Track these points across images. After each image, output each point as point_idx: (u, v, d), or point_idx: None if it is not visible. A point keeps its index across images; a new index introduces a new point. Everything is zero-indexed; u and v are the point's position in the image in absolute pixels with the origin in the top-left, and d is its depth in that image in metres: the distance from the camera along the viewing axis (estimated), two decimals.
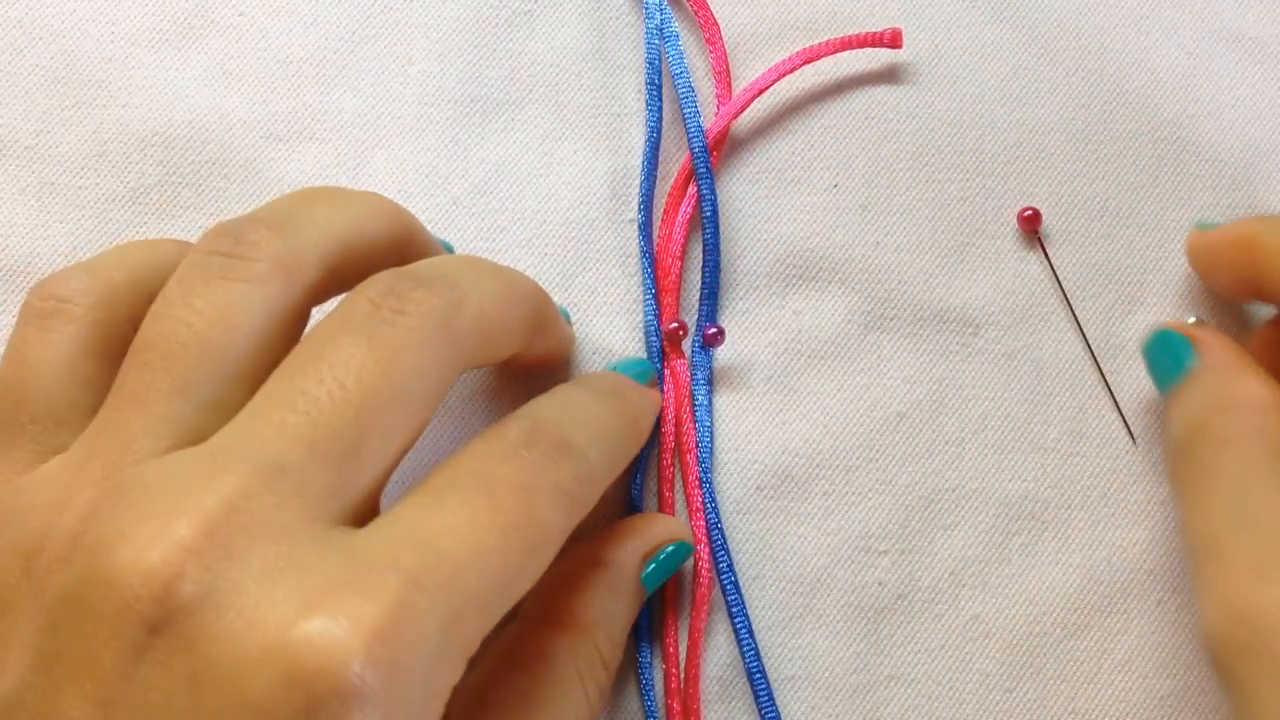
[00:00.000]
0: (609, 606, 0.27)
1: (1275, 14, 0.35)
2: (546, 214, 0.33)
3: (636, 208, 0.33)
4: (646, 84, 0.33)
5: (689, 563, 0.30)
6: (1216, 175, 0.34)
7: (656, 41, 0.33)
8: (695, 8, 0.33)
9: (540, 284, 0.32)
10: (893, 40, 0.34)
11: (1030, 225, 0.33)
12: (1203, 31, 0.35)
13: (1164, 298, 0.33)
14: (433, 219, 0.32)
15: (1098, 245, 0.33)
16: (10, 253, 0.31)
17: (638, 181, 0.33)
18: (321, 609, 0.20)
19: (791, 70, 0.33)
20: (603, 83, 0.34)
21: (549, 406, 0.25)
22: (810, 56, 0.33)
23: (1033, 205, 0.33)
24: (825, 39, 0.34)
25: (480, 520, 0.22)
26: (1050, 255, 0.33)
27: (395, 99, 0.33)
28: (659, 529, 0.29)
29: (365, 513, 0.22)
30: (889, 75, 0.34)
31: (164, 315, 0.23)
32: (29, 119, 0.32)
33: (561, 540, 0.23)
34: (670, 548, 0.29)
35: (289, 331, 0.24)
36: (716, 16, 0.34)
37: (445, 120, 0.33)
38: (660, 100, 0.32)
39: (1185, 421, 0.28)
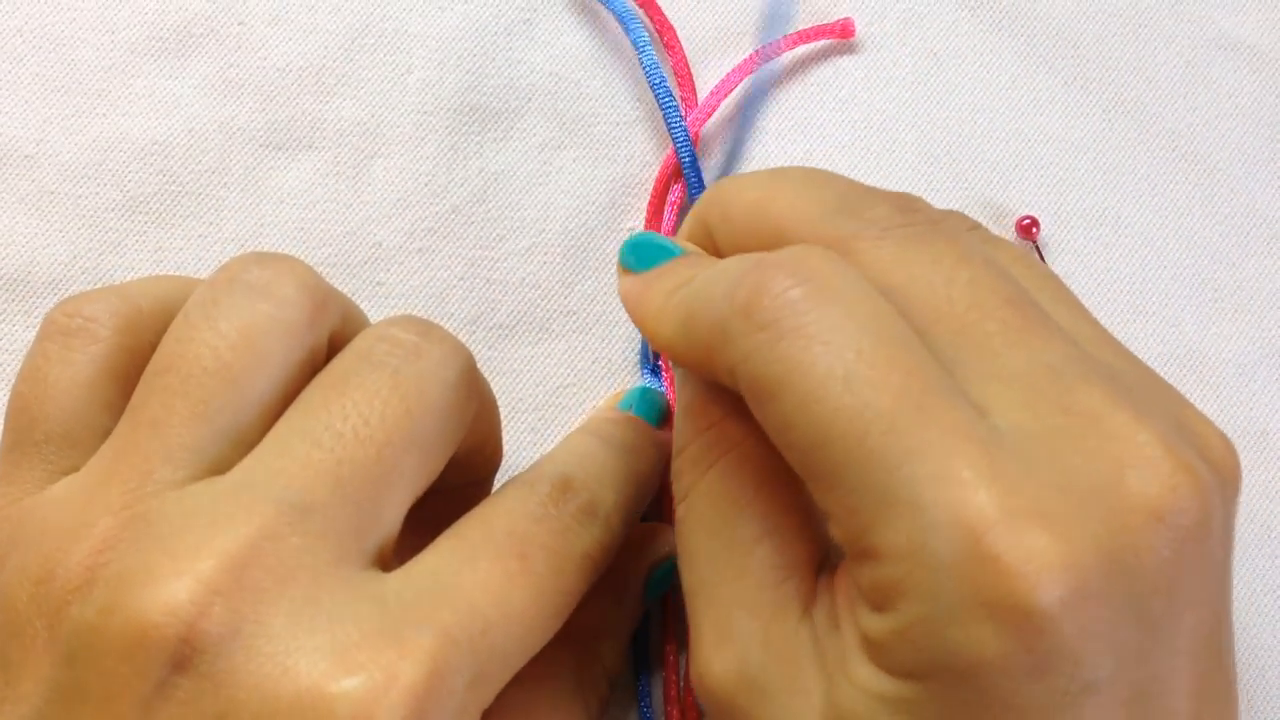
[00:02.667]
0: (612, 618, 0.27)
1: (1272, 22, 0.35)
2: (545, 222, 0.33)
3: (635, 215, 0.33)
4: (654, 85, 0.32)
5: None
6: (1214, 184, 0.34)
7: (647, 45, 0.33)
8: (650, 13, 0.34)
9: (539, 291, 0.32)
10: (843, 31, 0.34)
11: (1028, 234, 0.33)
12: (1200, 40, 0.35)
13: (1163, 307, 0.33)
14: (432, 228, 0.32)
15: (1096, 254, 0.33)
16: (10, 262, 0.31)
17: (636, 189, 0.33)
18: (357, 664, 0.19)
19: (751, 71, 0.33)
20: (602, 91, 0.34)
21: (577, 463, 0.25)
22: (768, 55, 0.34)
23: (1031, 214, 0.33)
24: (780, 36, 0.34)
25: (515, 582, 0.22)
26: (1048, 264, 0.33)
27: (394, 108, 0.33)
28: (662, 541, 0.29)
29: (387, 555, 0.22)
30: (890, 84, 0.34)
31: (186, 337, 0.23)
32: (29, 127, 0.32)
33: (578, 601, 0.24)
34: (673, 560, 0.29)
35: (310, 366, 0.23)
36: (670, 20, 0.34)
37: (444, 129, 0.33)
38: (675, 100, 0.32)
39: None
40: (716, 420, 0.24)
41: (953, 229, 0.23)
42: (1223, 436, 0.22)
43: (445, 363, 0.23)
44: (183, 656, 0.19)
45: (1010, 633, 0.19)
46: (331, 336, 0.24)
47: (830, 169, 0.33)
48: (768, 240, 0.23)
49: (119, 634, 0.20)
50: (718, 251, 0.25)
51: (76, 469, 0.23)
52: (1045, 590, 0.19)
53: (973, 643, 0.19)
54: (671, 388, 0.31)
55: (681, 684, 0.29)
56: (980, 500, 0.19)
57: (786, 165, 0.28)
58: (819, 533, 0.23)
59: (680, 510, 0.25)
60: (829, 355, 0.20)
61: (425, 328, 0.23)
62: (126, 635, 0.20)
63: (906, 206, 0.23)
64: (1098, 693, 0.19)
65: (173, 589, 0.20)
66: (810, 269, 0.21)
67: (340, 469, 0.21)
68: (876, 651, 0.20)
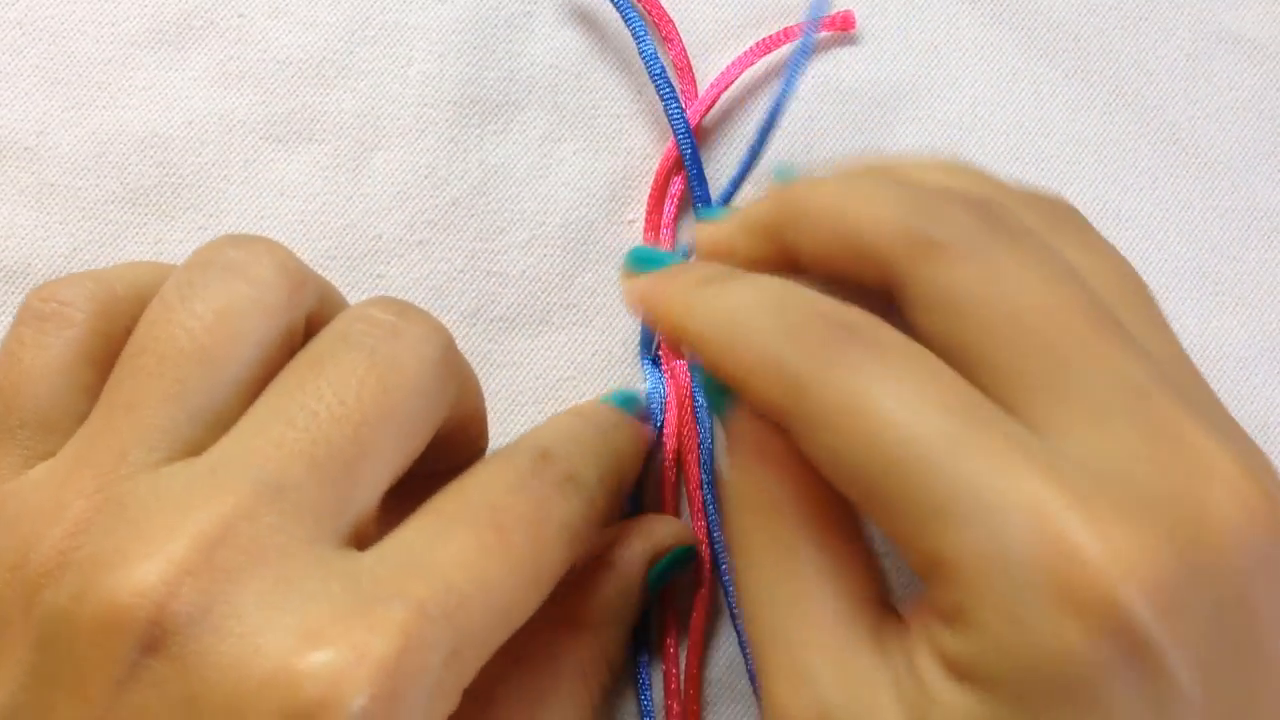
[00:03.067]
0: (615, 607, 0.27)
1: (1273, 15, 0.35)
2: (546, 215, 0.33)
3: (635, 208, 0.33)
4: (654, 77, 0.32)
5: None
6: (1215, 178, 0.34)
7: (647, 37, 0.33)
8: (648, 7, 0.33)
9: (540, 284, 0.32)
10: (844, 23, 0.34)
11: None
12: (1201, 33, 0.35)
13: (1165, 302, 0.33)
14: (432, 220, 0.32)
15: None
16: (9, 254, 0.31)
17: (637, 182, 0.33)
18: (327, 639, 0.19)
19: (753, 62, 0.33)
20: (602, 84, 0.34)
21: (555, 436, 0.25)
22: (769, 46, 0.34)
23: None
24: (780, 28, 0.34)
25: (490, 554, 0.21)
26: None
27: (394, 100, 0.33)
28: (665, 531, 0.29)
29: (363, 534, 0.22)
30: (890, 76, 0.34)
31: (161, 319, 0.22)
32: (28, 120, 0.32)
33: (561, 574, 0.23)
34: (676, 551, 0.29)
35: (287, 347, 0.23)
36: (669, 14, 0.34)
37: (444, 121, 0.33)
38: (675, 91, 0.32)
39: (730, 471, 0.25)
40: (770, 464, 0.24)
41: (1037, 241, 0.23)
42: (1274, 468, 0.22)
43: (423, 341, 0.23)
44: (153, 638, 0.19)
45: (1097, 628, 0.18)
46: (310, 319, 0.24)
47: (830, 166, 0.33)
48: (847, 245, 0.23)
49: (90, 617, 0.19)
50: (787, 253, 0.25)
51: (54, 454, 0.22)
52: (1131, 584, 0.18)
53: (1059, 642, 0.19)
54: (670, 380, 0.31)
55: (682, 678, 0.29)
56: (1053, 498, 0.19)
57: (858, 168, 0.27)
58: (878, 566, 0.23)
59: (739, 560, 0.24)
60: (887, 388, 0.21)
61: (402, 308, 0.23)
62: (97, 618, 0.19)
63: (989, 216, 0.23)
64: (1191, 704, 0.19)
65: (143, 570, 0.19)
66: (866, 328, 0.22)
67: (315, 448, 0.21)
68: (960, 670, 0.20)
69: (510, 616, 0.22)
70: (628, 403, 0.30)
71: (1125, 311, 0.23)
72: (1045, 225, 0.24)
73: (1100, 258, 0.24)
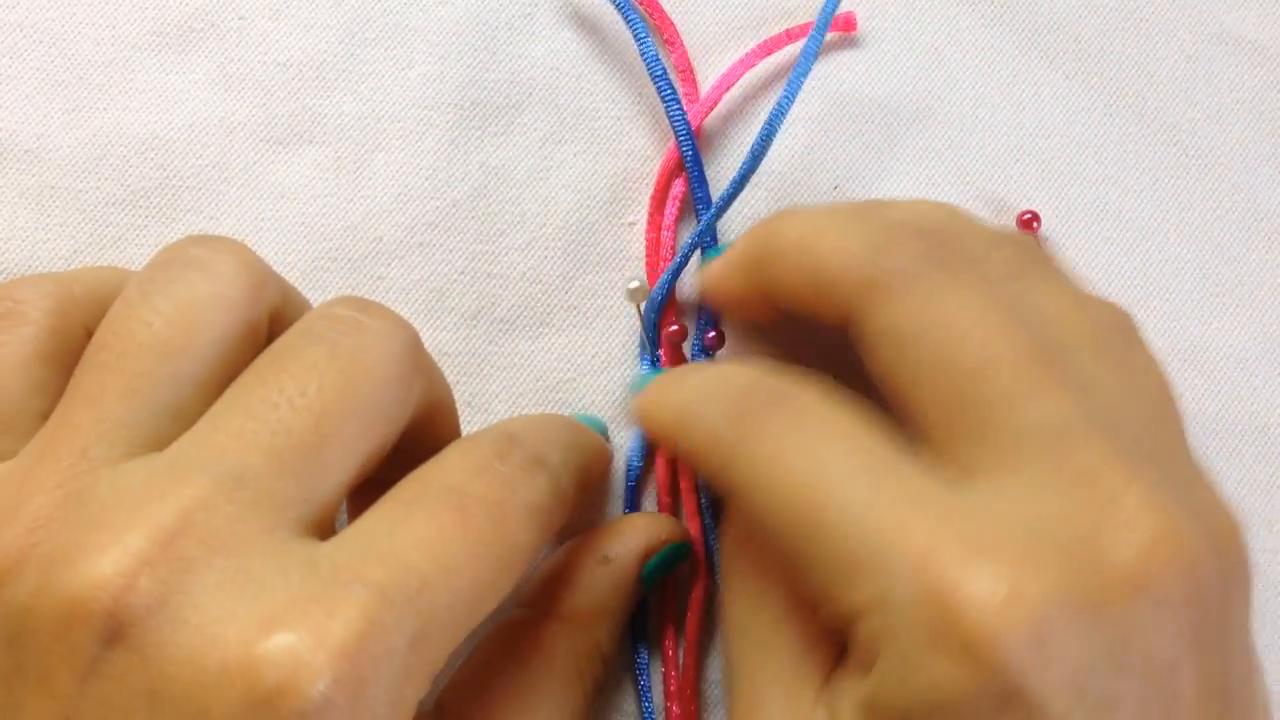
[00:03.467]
0: (609, 601, 0.27)
1: (1274, 17, 0.35)
2: (546, 217, 0.33)
3: (636, 210, 0.33)
4: (655, 78, 0.32)
5: (685, 566, 0.30)
6: (1216, 179, 0.34)
7: (648, 38, 0.33)
8: (649, 9, 0.33)
9: (540, 286, 0.32)
10: (846, 25, 0.34)
11: (1029, 228, 0.33)
12: (1202, 35, 0.35)
13: (1164, 301, 0.33)
14: (433, 222, 0.32)
15: (1097, 248, 0.33)
16: (9, 256, 0.31)
17: (637, 184, 0.33)
18: (285, 625, 0.19)
19: (754, 64, 0.33)
20: (602, 86, 0.34)
21: (522, 424, 0.25)
22: (771, 48, 0.33)
23: (1032, 209, 0.33)
24: (781, 30, 0.34)
25: (451, 535, 0.21)
26: None
27: (395, 102, 0.33)
28: (660, 528, 0.29)
29: (326, 526, 0.22)
30: (891, 78, 0.34)
31: (122, 315, 0.22)
32: (29, 122, 0.32)
33: (532, 558, 0.23)
34: (671, 547, 0.29)
35: (250, 344, 0.23)
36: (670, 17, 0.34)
37: (445, 123, 0.33)
38: (676, 93, 0.32)
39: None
40: (747, 546, 0.25)
41: (982, 275, 0.23)
42: (1228, 511, 0.22)
43: (386, 336, 0.23)
44: (111, 630, 0.19)
45: (969, 668, 0.19)
46: (273, 319, 0.24)
47: (830, 162, 0.33)
48: (809, 277, 0.25)
49: (51, 612, 0.19)
50: (766, 291, 0.26)
51: (13, 453, 0.22)
52: (998, 622, 0.19)
53: (937, 683, 0.19)
54: None
55: (680, 678, 0.29)
56: (940, 548, 0.20)
57: (838, 201, 0.29)
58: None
59: (725, 594, 0.26)
60: (800, 454, 0.22)
61: (365, 305, 0.23)
62: (57, 612, 0.19)
63: (937, 247, 0.24)
64: None
65: (100, 563, 0.19)
66: (787, 397, 0.23)
67: (275, 439, 0.21)
68: (868, 712, 0.21)
69: (479, 600, 0.22)
70: (593, 425, 0.30)
71: (1080, 352, 0.23)
72: (1009, 264, 0.25)
73: (1063, 297, 0.24)
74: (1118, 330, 0.25)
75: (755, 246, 0.26)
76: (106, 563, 0.19)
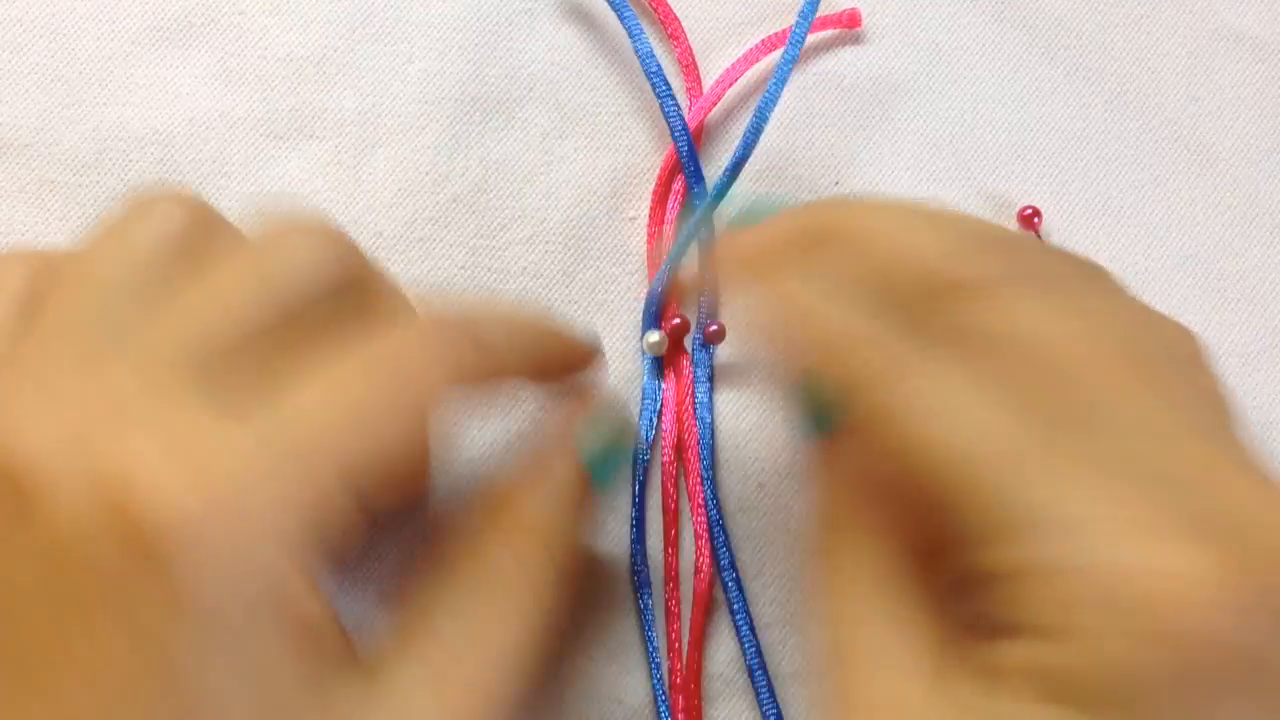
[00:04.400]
0: (549, 501, 0.27)
1: (1275, 13, 0.35)
2: (547, 212, 0.33)
3: (637, 204, 0.33)
4: (649, 74, 0.32)
5: (690, 560, 0.30)
6: (1217, 175, 0.34)
7: (641, 33, 0.33)
8: (653, 4, 0.33)
9: (541, 280, 0.32)
10: (850, 21, 0.34)
11: (1030, 224, 0.33)
12: (1204, 31, 0.35)
13: (1166, 297, 0.33)
14: (433, 217, 0.32)
15: (1099, 244, 0.33)
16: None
17: (638, 179, 0.33)
18: (140, 436, 0.19)
19: (758, 59, 0.33)
20: (603, 81, 0.34)
21: (480, 312, 0.25)
22: (774, 44, 0.33)
23: (1033, 204, 0.33)
24: (784, 27, 0.34)
25: (349, 379, 0.21)
26: None
27: (395, 97, 0.33)
28: (593, 418, 0.28)
29: (232, 376, 0.21)
30: (893, 74, 0.34)
31: (64, 262, 0.23)
32: (29, 117, 0.32)
33: (438, 397, 0.23)
34: (614, 443, 0.28)
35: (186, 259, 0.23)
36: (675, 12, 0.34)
37: (445, 118, 0.33)
38: (671, 89, 0.32)
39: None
40: (858, 504, 0.24)
41: (1064, 286, 0.23)
42: None
43: (311, 246, 0.23)
44: None
45: (1165, 642, 0.19)
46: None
47: (832, 160, 0.33)
48: (876, 271, 0.24)
49: None
50: (813, 265, 0.25)
51: None
52: (1202, 599, 0.19)
53: (1128, 652, 0.19)
54: (674, 374, 0.31)
55: (684, 670, 0.29)
56: (1131, 513, 0.19)
57: (905, 198, 0.27)
58: (945, 604, 0.23)
59: (829, 581, 0.25)
60: (973, 394, 0.21)
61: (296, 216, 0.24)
62: None
63: (1020, 257, 0.23)
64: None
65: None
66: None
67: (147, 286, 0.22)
68: (1029, 682, 0.20)
69: (374, 438, 0.21)
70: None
71: (1157, 364, 0.23)
72: (1074, 278, 0.24)
73: (1134, 313, 0.24)
74: (1175, 347, 0.25)
75: (813, 223, 0.25)
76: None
